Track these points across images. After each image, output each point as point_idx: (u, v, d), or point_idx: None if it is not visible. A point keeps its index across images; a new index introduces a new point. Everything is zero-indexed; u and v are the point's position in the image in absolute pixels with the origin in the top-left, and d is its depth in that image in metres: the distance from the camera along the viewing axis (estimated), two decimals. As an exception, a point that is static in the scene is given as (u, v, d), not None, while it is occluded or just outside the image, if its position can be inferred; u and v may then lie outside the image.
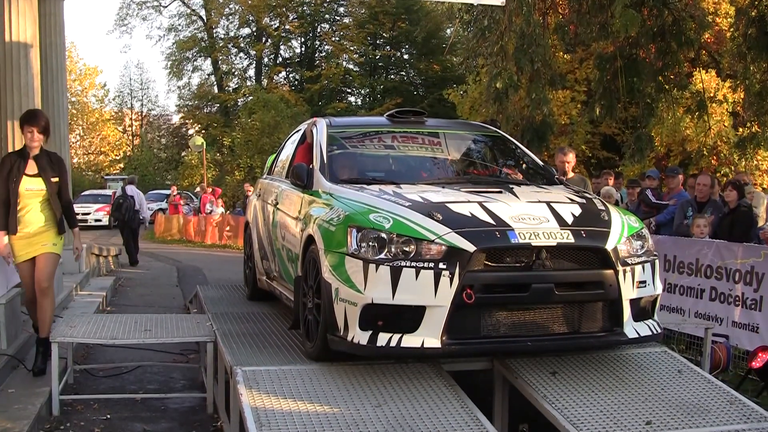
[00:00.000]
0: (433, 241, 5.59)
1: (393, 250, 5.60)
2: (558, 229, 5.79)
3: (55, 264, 7.84)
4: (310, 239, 6.43)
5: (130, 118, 71.30)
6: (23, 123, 7.76)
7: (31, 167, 7.64)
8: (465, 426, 5.21)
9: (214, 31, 59.46)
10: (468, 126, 9.43)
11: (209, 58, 59.78)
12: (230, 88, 59.11)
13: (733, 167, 23.87)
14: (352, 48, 55.28)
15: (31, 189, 7.61)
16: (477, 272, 5.55)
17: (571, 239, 5.76)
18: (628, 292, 5.89)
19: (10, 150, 10.65)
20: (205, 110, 61.25)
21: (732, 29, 17.15)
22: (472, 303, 5.50)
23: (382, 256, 5.59)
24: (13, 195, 7.54)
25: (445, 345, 5.53)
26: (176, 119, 69.36)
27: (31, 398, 7.15)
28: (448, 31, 50.38)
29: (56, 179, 7.74)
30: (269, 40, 58.00)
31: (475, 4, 16.98)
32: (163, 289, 16.10)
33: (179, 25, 61.16)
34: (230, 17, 59.31)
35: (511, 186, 6.82)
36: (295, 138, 8.85)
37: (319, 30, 58.65)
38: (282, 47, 59.71)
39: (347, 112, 48.77)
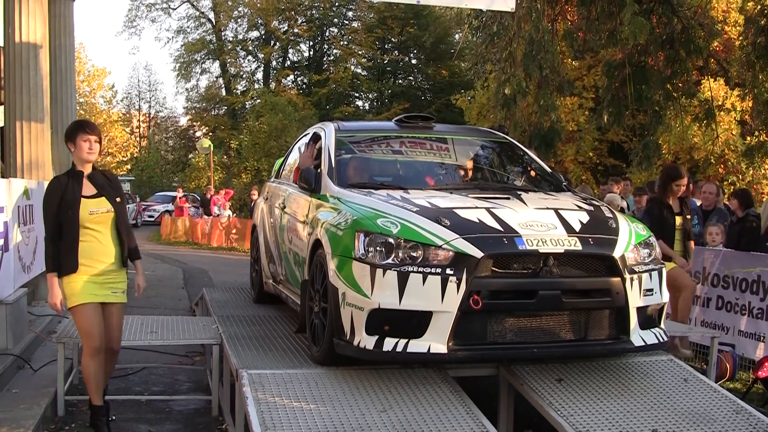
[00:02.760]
0: (440, 246, 5.59)
1: (400, 255, 5.60)
2: (566, 236, 5.79)
3: (122, 318, 6.65)
4: (317, 243, 6.43)
5: (138, 120, 71.48)
6: (77, 131, 6.29)
7: (88, 188, 6.25)
8: (470, 431, 5.21)
9: (223, 33, 59.60)
10: (476, 132, 9.42)
11: (217, 61, 59.89)
12: (238, 91, 59.22)
13: (740, 176, 23.84)
14: (360, 52, 55.30)
15: (96, 212, 6.21)
16: (484, 278, 5.55)
17: (579, 246, 5.76)
18: (635, 300, 5.88)
19: (18, 151, 10.72)
20: (212, 112, 61.35)
21: (741, 38, 17.11)
22: (479, 309, 5.50)
23: (390, 261, 5.59)
24: (72, 224, 6.11)
25: (451, 351, 5.53)
26: (184, 121, 69.56)
27: (36, 398, 7.16)
28: (457, 36, 50.49)
29: (119, 200, 6.41)
30: (278, 43, 58.09)
31: (485, 10, 16.99)
32: (169, 291, 16.09)
33: (188, 27, 61.39)
34: (239, 20, 59.49)
35: (518, 192, 6.82)
36: (303, 141, 8.85)
37: (327, 34, 58.72)
38: (290, 50, 59.83)
39: (355, 116, 48.82)
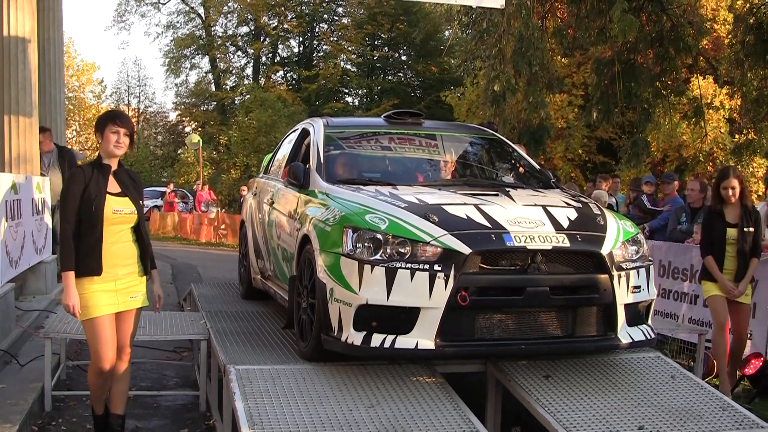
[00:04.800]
0: (428, 242, 5.59)
1: (388, 251, 5.60)
2: (554, 232, 5.80)
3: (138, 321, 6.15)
4: (305, 239, 6.43)
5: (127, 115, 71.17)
6: (106, 122, 5.79)
7: (113, 185, 5.78)
8: (457, 428, 5.21)
9: (213, 29, 59.37)
10: (465, 128, 9.44)
11: (207, 56, 59.66)
12: (227, 87, 59.03)
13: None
14: (350, 48, 55.20)
15: (119, 212, 5.72)
16: (472, 274, 5.56)
17: (567, 243, 5.76)
18: (623, 297, 5.90)
19: (6, 145, 10.67)
20: (202, 108, 61.14)
21: (730, 36, 17.23)
22: (467, 305, 5.50)
23: (378, 256, 5.60)
24: (96, 220, 5.60)
25: (439, 347, 5.53)
26: (173, 116, 69.26)
27: (23, 394, 7.13)
28: (447, 33, 50.39)
29: (141, 203, 6.00)
30: (267, 39, 57.93)
31: (474, 7, 16.99)
32: (158, 287, 16.03)
33: (177, 22, 61.08)
34: (229, 15, 59.25)
35: (507, 189, 6.83)
36: (292, 137, 8.85)
37: (317, 30, 58.57)
38: (280, 46, 59.65)
39: (344, 113, 48.68)
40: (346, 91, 58.19)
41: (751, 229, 7.97)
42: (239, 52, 60.49)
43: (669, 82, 15.99)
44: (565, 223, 5.95)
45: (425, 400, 5.54)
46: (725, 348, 7.97)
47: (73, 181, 5.71)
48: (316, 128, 7.83)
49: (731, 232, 7.98)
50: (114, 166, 5.84)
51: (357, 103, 56.90)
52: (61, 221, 5.71)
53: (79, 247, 5.61)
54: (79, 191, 5.62)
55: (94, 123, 6.03)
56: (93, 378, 5.97)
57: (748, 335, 8.58)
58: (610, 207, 11.68)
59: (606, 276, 5.84)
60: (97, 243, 5.61)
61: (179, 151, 61.43)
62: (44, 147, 11.63)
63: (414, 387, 5.72)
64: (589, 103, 17.74)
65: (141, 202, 5.94)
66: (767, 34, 13.60)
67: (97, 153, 6.03)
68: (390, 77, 57.11)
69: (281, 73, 59.38)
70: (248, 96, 50.31)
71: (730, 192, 7.97)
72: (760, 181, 24.60)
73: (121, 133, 5.75)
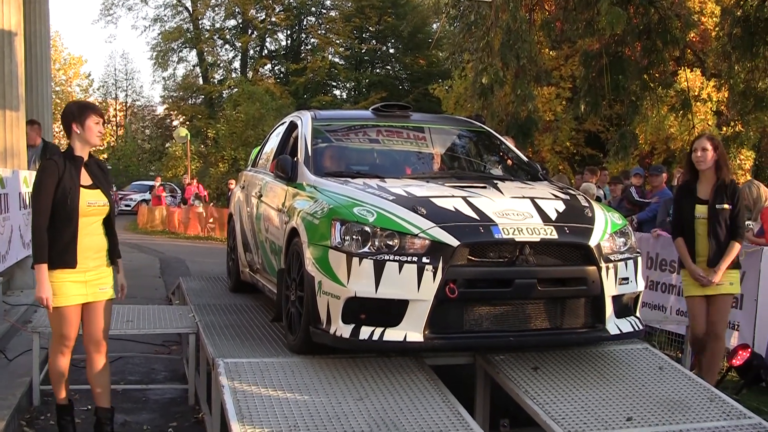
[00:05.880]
0: (416, 235, 5.58)
1: (376, 243, 5.59)
2: (542, 224, 5.80)
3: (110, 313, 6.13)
4: (293, 232, 6.42)
5: (115, 109, 71.13)
6: (87, 111, 5.76)
7: (85, 177, 5.73)
8: (446, 420, 5.21)
9: (200, 22, 59.29)
10: (453, 121, 9.43)
11: (194, 50, 59.60)
12: (215, 80, 58.99)
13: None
14: (338, 41, 55.23)
15: (93, 204, 5.71)
16: (460, 267, 5.55)
17: (555, 235, 5.77)
18: (611, 289, 5.90)
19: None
20: (189, 101, 61.11)
21: (717, 29, 17.26)
22: (455, 297, 5.50)
23: (366, 249, 5.59)
24: (71, 215, 5.58)
25: (427, 339, 5.53)
26: (161, 110, 69.32)
27: (11, 388, 7.11)
28: (435, 26, 50.49)
29: (112, 193, 5.99)
30: (255, 32, 57.88)
31: (462, -1, 17.00)
32: (146, 281, 16.04)
33: (165, 15, 61.00)
34: (216, 8, 59.22)
35: (495, 181, 6.83)
36: (280, 130, 8.83)
37: (305, 23, 58.56)
38: (268, 40, 59.63)
39: (332, 106, 48.68)
40: (334, 84, 58.23)
41: (726, 206, 6.96)
42: (227, 46, 60.47)
43: (656, 75, 16.03)
44: (553, 215, 5.95)
45: (414, 393, 5.54)
46: (714, 364, 7.30)
47: (47, 173, 5.61)
48: (304, 121, 7.82)
49: (700, 209, 7.07)
50: (86, 157, 5.81)
51: (345, 96, 56.98)
52: (34, 213, 5.63)
53: (53, 240, 5.58)
54: (53, 184, 5.56)
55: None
56: (56, 363, 5.99)
57: (735, 326, 8.57)
58: (598, 199, 11.72)
59: (594, 268, 5.84)
60: (73, 237, 5.61)
61: (167, 144, 61.45)
62: (31, 140, 11.55)
63: (403, 379, 5.72)
64: (576, 95, 17.78)
65: (111, 192, 5.93)
66: (754, 27, 13.63)
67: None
68: (378, 70, 57.15)
69: (269, 66, 59.40)
70: (236, 89, 50.31)
71: (699, 154, 7.01)
72: (747, 173, 24.69)
73: (101, 123, 5.78)
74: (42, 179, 5.62)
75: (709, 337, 7.17)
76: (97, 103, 65.34)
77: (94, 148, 5.91)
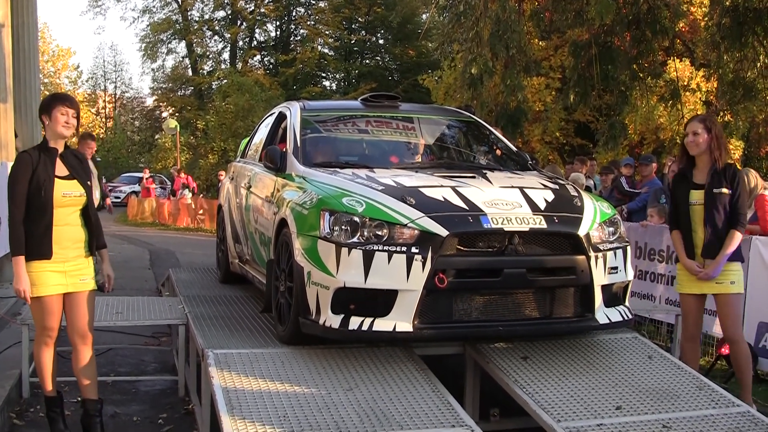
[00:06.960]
0: (405, 225, 5.59)
1: (366, 233, 5.59)
2: (531, 214, 5.81)
3: (94, 305, 6.16)
4: (282, 222, 6.41)
5: (104, 101, 70.97)
6: (53, 102, 5.76)
7: (61, 168, 5.75)
8: (436, 410, 5.22)
9: (189, 13, 59.12)
10: (442, 111, 9.43)
11: (184, 41, 59.46)
12: (204, 71, 58.88)
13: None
14: (327, 32, 55.15)
15: (69, 195, 5.72)
16: (449, 257, 5.56)
17: (544, 225, 5.78)
18: (600, 278, 5.92)
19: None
20: (179, 93, 60.95)
21: (706, 19, 17.22)
22: (445, 287, 5.51)
23: (355, 239, 5.59)
24: (46, 206, 5.61)
25: (417, 329, 5.54)
26: (150, 102, 69.16)
27: (0, 381, 7.10)
28: (424, 16, 50.40)
29: (89, 183, 5.97)
30: (244, 23, 57.76)
31: (451, -10, 16.96)
32: (135, 272, 16.01)
33: (154, 6, 60.75)
34: (205, 0, 59.03)
35: (484, 171, 6.84)
36: (269, 121, 8.82)
37: (294, 14, 58.45)
38: (257, 31, 59.51)
39: (322, 97, 48.62)
40: (324, 75, 58.20)
41: (724, 191, 6.42)
42: (216, 37, 60.33)
43: (646, 65, 16.00)
44: (542, 205, 5.96)
45: (404, 383, 5.55)
46: (741, 371, 6.77)
47: (20, 165, 5.68)
48: (293, 112, 7.81)
49: (695, 195, 6.54)
50: (60, 149, 5.83)
51: (334, 87, 56.93)
52: (10, 206, 5.66)
53: (29, 231, 5.63)
54: (27, 176, 5.61)
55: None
56: (41, 354, 5.98)
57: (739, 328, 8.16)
58: (588, 189, 11.73)
59: (583, 257, 5.85)
60: (47, 228, 5.64)
61: (156, 136, 61.34)
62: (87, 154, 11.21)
63: (392, 370, 5.73)
64: (566, 85, 17.76)
65: (89, 183, 5.92)
66: (743, 17, 13.61)
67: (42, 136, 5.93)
68: (367, 61, 57.09)
69: (258, 57, 59.31)
70: (225, 81, 50.15)
71: (691, 138, 6.54)
72: (737, 163, 24.72)
73: (69, 114, 5.74)
74: (16, 172, 5.67)
75: (729, 342, 6.90)
76: (86, 95, 65.53)
77: (66, 139, 5.87)
